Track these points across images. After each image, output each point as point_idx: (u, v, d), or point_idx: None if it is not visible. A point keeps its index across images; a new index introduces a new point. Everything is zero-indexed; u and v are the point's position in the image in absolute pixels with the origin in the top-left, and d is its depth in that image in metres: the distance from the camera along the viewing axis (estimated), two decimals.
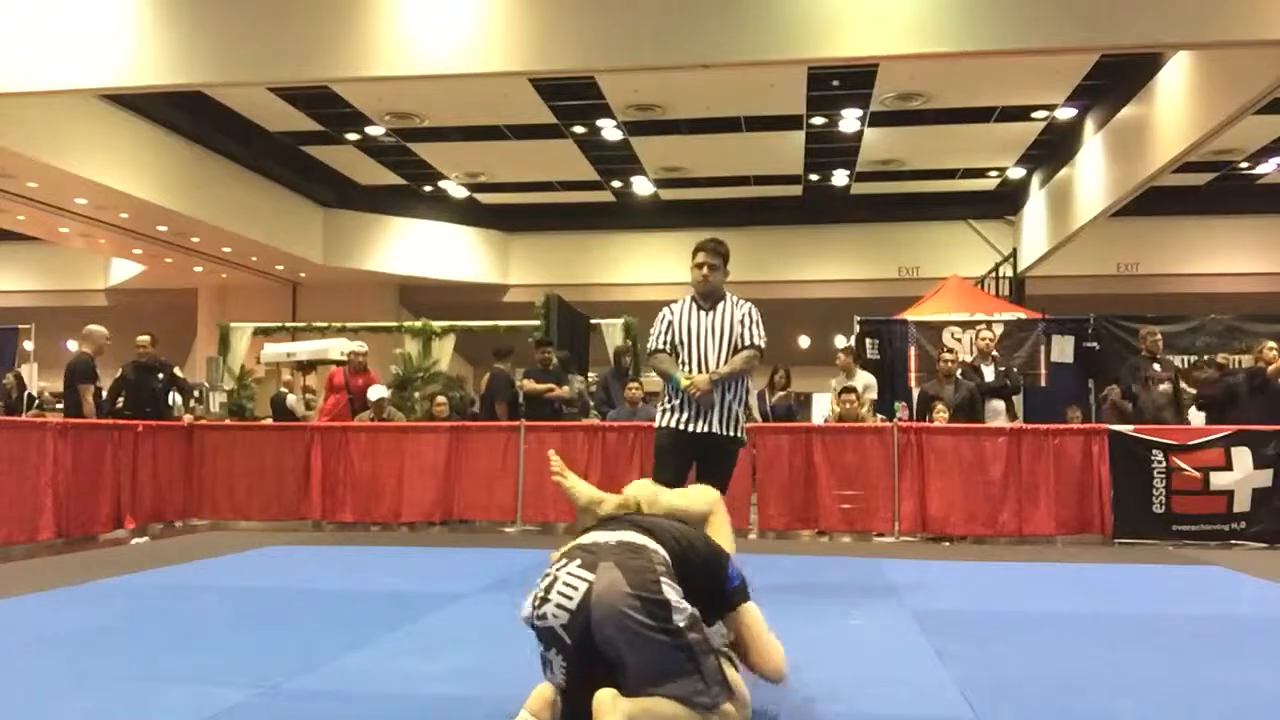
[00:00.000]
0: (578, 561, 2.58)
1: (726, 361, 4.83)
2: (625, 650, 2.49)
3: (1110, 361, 10.39)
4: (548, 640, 2.57)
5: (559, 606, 2.51)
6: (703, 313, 4.93)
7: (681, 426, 4.82)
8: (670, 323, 4.96)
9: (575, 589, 2.51)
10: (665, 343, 4.94)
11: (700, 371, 4.82)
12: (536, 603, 2.57)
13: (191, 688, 3.15)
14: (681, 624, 2.51)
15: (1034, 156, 16.70)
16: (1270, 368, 8.54)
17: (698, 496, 3.20)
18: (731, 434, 4.85)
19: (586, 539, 2.71)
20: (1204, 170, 16.54)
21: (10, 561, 6.49)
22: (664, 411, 4.92)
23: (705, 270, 4.89)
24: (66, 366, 8.67)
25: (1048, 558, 6.96)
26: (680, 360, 4.90)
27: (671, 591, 2.54)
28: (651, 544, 2.67)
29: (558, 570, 2.59)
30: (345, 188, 18.73)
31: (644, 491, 3.06)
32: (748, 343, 4.86)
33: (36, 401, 11.85)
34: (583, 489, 3.05)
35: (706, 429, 4.80)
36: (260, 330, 14.29)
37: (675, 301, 5.06)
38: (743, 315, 4.91)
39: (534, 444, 8.58)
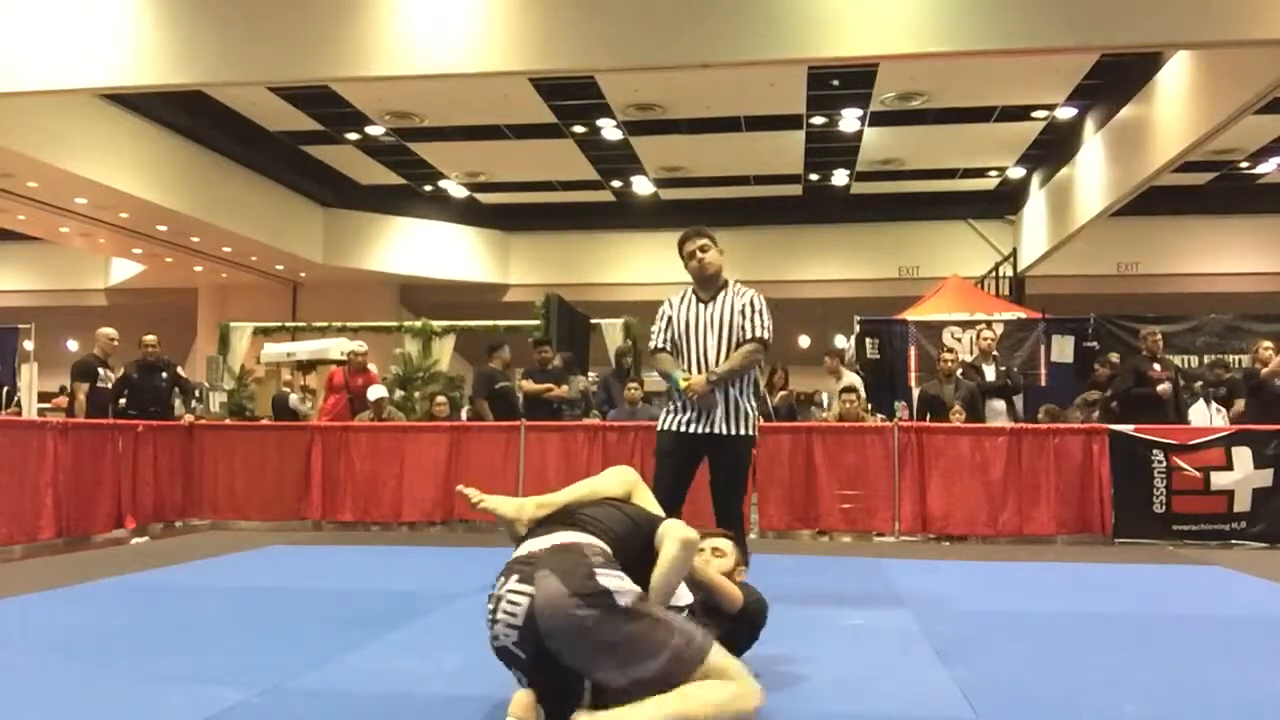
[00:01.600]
0: (516, 577, 2.59)
1: (727, 357, 4.47)
2: (585, 651, 2.51)
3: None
4: (506, 659, 2.60)
5: (507, 626, 2.54)
6: (701, 305, 4.58)
7: (683, 428, 4.49)
8: (670, 318, 4.63)
9: (518, 604, 2.53)
10: (665, 340, 4.62)
11: (700, 369, 4.48)
12: (488, 625, 2.60)
13: (191, 688, 3.15)
14: (626, 603, 2.52)
15: (1034, 156, 16.70)
16: (1265, 369, 8.52)
17: (613, 479, 3.16)
18: (740, 432, 4.48)
19: (522, 550, 2.73)
20: (1204, 170, 16.53)
21: (10, 561, 6.50)
22: (666, 413, 4.62)
23: (699, 257, 4.54)
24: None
25: (1048, 558, 6.96)
26: (681, 357, 4.57)
27: (610, 579, 2.55)
28: (584, 538, 2.68)
29: (501, 589, 2.60)
30: (345, 187, 18.72)
31: (560, 496, 3.06)
32: (749, 335, 4.46)
33: (15, 399, 11.80)
34: (505, 504, 2.99)
35: (710, 429, 4.46)
36: (260, 330, 14.28)
37: (675, 294, 4.71)
38: (743, 305, 4.51)
39: (534, 444, 8.59)
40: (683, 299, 4.67)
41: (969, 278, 15.17)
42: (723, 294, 4.59)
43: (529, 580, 2.55)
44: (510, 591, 2.56)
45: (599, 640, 2.48)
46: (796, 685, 3.22)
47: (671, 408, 4.60)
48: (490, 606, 2.61)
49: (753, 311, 4.52)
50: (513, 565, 2.66)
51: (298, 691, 3.15)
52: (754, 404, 4.62)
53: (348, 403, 10.32)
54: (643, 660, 2.49)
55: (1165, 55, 11.21)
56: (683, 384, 4.46)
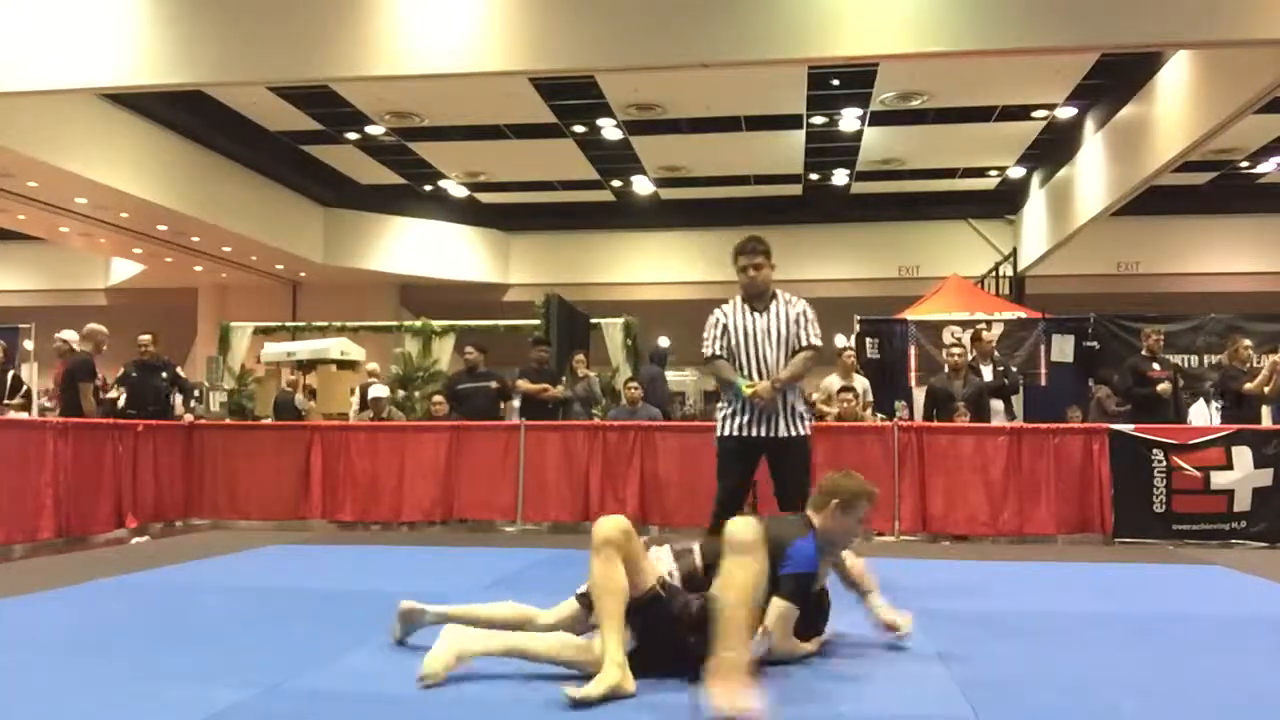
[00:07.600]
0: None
1: (786, 363, 4.78)
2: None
3: (1110, 361, 10.40)
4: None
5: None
6: (756, 314, 4.85)
7: (745, 432, 4.80)
8: (725, 326, 4.87)
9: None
10: (721, 348, 4.88)
11: (760, 376, 4.77)
12: None
13: (191, 688, 3.15)
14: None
15: (1034, 156, 16.70)
16: (1249, 385, 8.38)
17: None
18: (799, 433, 4.83)
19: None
20: (1204, 170, 16.54)
21: (10, 561, 6.50)
22: (724, 418, 4.88)
23: (751, 271, 4.82)
24: (66, 366, 8.66)
25: (1048, 557, 6.96)
26: (738, 364, 4.83)
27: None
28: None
29: None
30: (345, 187, 18.72)
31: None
32: (805, 343, 4.82)
33: (25, 389, 11.78)
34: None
35: (772, 433, 4.79)
36: (260, 330, 14.28)
37: (725, 303, 4.96)
38: (798, 315, 4.85)
39: (534, 444, 8.59)
40: (735, 307, 4.92)
41: (969, 277, 15.16)
42: (775, 303, 4.89)
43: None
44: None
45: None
46: (796, 685, 3.22)
47: (729, 412, 4.87)
48: None
49: (807, 321, 4.86)
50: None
51: (298, 691, 3.15)
52: (805, 406, 4.96)
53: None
54: None
55: (1165, 55, 11.21)
56: (747, 390, 4.71)
